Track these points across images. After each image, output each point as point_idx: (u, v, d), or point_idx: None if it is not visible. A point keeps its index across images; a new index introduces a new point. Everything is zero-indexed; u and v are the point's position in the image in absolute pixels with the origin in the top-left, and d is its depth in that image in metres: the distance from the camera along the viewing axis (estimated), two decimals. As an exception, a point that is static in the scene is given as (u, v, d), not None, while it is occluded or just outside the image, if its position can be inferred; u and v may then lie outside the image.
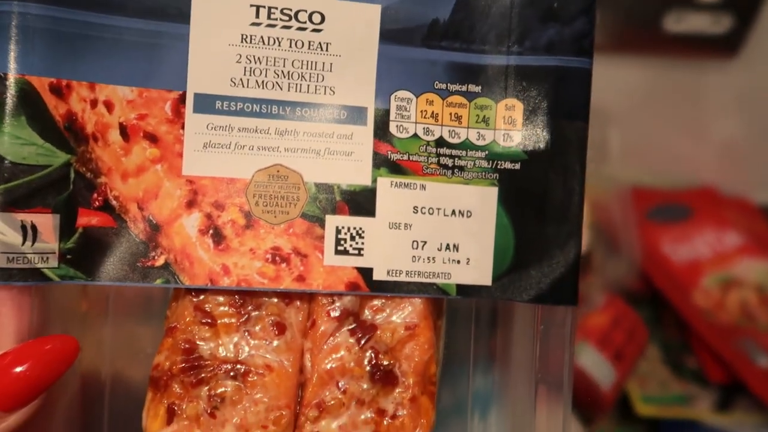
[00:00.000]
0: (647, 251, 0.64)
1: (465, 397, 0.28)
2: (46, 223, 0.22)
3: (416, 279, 0.24)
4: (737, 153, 0.73)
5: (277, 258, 0.23)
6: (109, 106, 0.22)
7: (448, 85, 0.24)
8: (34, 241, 0.22)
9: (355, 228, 0.23)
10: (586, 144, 0.24)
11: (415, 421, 0.23)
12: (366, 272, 0.23)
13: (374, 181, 0.24)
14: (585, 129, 0.24)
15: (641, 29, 0.67)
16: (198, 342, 0.23)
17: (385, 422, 0.23)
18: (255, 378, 0.22)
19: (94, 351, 0.26)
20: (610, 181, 0.56)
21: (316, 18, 0.23)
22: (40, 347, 0.21)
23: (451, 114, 0.24)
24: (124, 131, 0.23)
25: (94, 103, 0.22)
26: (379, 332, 0.23)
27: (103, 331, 0.26)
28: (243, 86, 0.23)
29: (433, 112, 0.24)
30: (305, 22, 0.23)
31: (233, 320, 0.23)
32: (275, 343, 0.23)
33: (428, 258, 0.24)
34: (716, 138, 0.73)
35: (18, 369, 0.21)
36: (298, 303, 0.24)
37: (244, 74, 0.23)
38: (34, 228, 0.22)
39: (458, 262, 0.24)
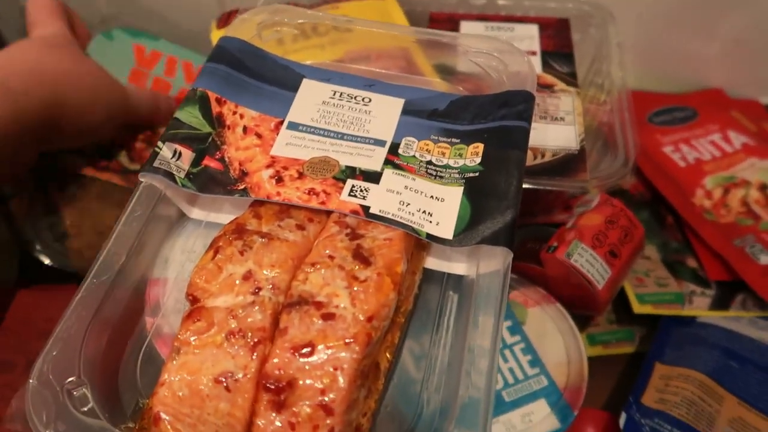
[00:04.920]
0: (648, 153, 0.63)
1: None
2: (187, 154, 0.37)
3: (399, 219, 0.35)
4: (746, 52, 0.68)
5: (311, 192, 0.36)
6: (241, 116, 0.40)
7: (439, 137, 0.39)
8: (177, 159, 0.37)
9: (364, 187, 0.36)
10: (524, 159, 0.37)
11: (377, 289, 0.31)
12: (365, 208, 0.35)
13: (382, 169, 0.37)
14: (522, 153, 0.37)
15: None
16: (246, 223, 0.34)
17: (355, 287, 0.31)
18: (275, 241, 0.33)
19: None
20: (609, 80, 0.56)
21: (366, 100, 0.41)
22: None
23: (438, 151, 0.39)
24: (245, 129, 0.39)
25: (234, 113, 0.40)
26: (365, 239, 0.34)
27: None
28: (317, 122, 0.40)
29: (427, 149, 0.39)
30: (359, 102, 0.41)
31: (272, 218, 0.35)
32: (296, 232, 0.34)
33: (410, 212, 0.35)
34: (724, 36, 0.67)
35: None
36: (317, 221, 0.35)
37: (320, 117, 0.40)
38: (180, 153, 0.37)
39: (430, 222, 0.35)
